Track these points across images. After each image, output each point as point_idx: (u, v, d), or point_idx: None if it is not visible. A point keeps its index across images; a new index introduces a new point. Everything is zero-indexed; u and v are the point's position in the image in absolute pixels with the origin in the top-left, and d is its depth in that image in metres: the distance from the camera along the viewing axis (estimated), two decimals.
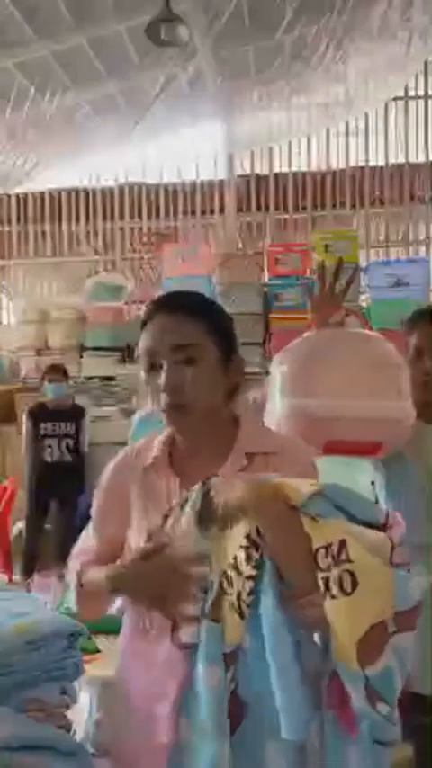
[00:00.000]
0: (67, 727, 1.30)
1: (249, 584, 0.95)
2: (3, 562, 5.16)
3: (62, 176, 7.44)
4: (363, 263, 6.28)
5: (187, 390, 1.14)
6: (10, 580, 4.88)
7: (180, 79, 5.55)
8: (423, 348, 1.66)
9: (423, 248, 7.98)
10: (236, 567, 0.96)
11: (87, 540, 1.30)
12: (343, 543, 0.89)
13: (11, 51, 4.95)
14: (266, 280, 6.08)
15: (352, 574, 0.87)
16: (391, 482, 1.60)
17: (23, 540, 5.08)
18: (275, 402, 1.54)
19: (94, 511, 1.31)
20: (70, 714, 1.34)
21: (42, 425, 5.03)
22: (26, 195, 8.36)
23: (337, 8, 4.84)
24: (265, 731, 0.97)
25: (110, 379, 6.02)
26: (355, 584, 0.87)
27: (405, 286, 5.77)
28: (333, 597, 0.88)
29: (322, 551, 0.90)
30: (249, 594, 0.95)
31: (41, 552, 4.85)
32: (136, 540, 1.17)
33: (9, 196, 8.32)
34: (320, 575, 0.89)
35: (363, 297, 5.94)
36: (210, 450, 1.16)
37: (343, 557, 0.88)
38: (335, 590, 0.88)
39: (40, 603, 1.28)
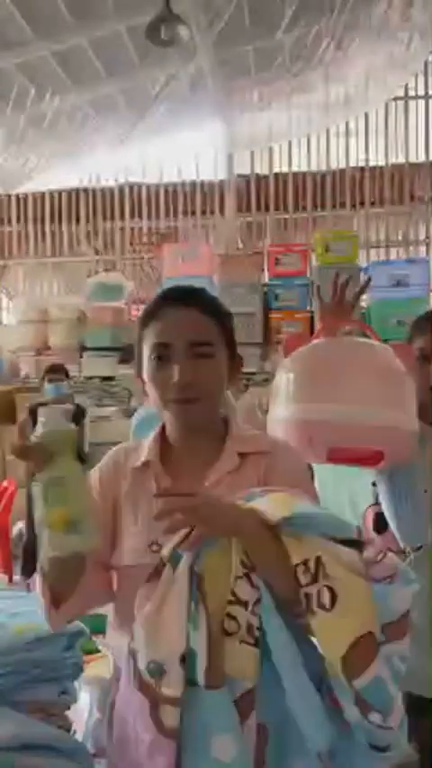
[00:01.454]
0: (66, 727, 1.30)
1: (257, 610, 0.94)
2: (3, 562, 5.16)
3: (62, 176, 7.43)
4: (363, 263, 6.29)
5: (201, 385, 1.14)
6: (10, 580, 4.88)
7: (180, 79, 5.55)
8: (428, 353, 1.66)
9: (423, 248, 7.98)
10: (239, 602, 0.94)
11: None
12: (319, 560, 0.91)
13: (11, 51, 4.95)
14: (266, 280, 6.08)
15: (331, 589, 0.88)
16: (393, 483, 1.60)
17: (23, 540, 5.08)
18: (281, 407, 1.55)
19: None
20: (70, 714, 1.34)
21: None
22: (26, 195, 8.36)
23: (337, 8, 4.84)
24: (288, 751, 0.96)
25: (110, 379, 6.02)
26: (334, 600, 0.88)
27: (405, 286, 5.77)
28: (314, 613, 0.89)
29: (301, 567, 0.91)
30: (259, 620, 0.94)
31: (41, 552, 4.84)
32: (128, 543, 1.16)
33: (9, 196, 8.32)
34: (302, 590, 0.90)
35: (363, 297, 5.95)
36: (202, 450, 1.16)
37: (320, 573, 0.90)
38: (315, 606, 0.89)
39: (40, 603, 1.28)
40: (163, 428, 1.24)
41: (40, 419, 0.99)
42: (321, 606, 0.88)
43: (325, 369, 1.51)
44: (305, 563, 0.91)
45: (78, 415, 5.12)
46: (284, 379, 1.55)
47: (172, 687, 0.92)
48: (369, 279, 2.09)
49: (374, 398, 1.45)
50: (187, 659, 0.92)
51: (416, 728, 1.74)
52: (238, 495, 1.05)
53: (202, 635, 0.92)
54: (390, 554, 0.97)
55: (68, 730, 1.30)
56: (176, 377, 1.13)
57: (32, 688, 1.28)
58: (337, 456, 1.48)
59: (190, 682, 0.92)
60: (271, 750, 0.95)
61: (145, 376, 1.19)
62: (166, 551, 0.99)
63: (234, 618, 0.93)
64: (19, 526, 5.39)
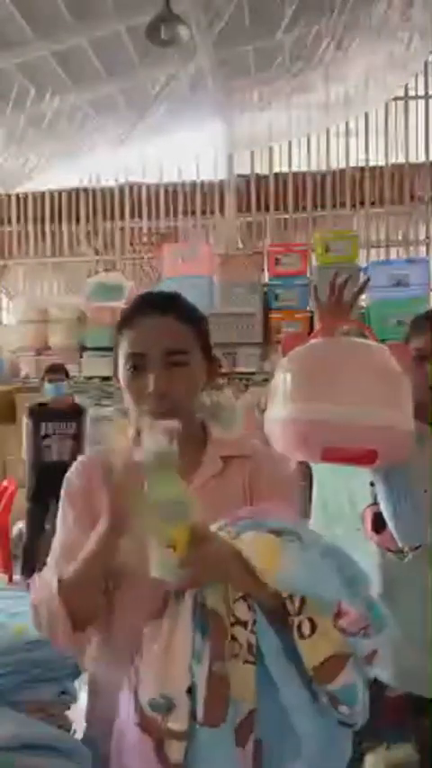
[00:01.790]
0: (67, 727, 1.30)
1: (255, 629, 0.99)
2: (3, 562, 5.17)
3: (62, 176, 7.43)
4: (363, 263, 6.29)
5: (175, 396, 1.13)
6: (10, 580, 4.89)
7: (180, 79, 5.54)
8: (426, 352, 1.66)
9: (423, 248, 7.97)
10: (239, 622, 0.98)
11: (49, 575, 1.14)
12: (303, 599, 0.99)
13: (11, 51, 4.95)
14: (266, 280, 6.08)
15: (311, 620, 0.98)
16: (390, 483, 1.60)
17: (23, 540, 5.08)
18: (277, 407, 1.55)
19: (63, 536, 1.20)
20: (70, 714, 1.34)
21: (42, 425, 5.03)
22: (26, 195, 8.36)
23: (337, 8, 4.84)
24: (283, 758, 1.00)
25: (110, 379, 6.00)
26: (313, 630, 0.98)
27: (405, 286, 5.77)
28: (296, 639, 0.99)
29: (288, 600, 0.99)
30: (257, 638, 0.99)
31: (41, 552, 4.85)
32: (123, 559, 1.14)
33: (9, 196, 8.32)
34: (289, 617, 0.99)
35: (363, 297, 5.95)
36: (183, 455, 1.07)
37: (304, 608, 0.99)
38: (296, 635, 0.98)
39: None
40: (138, 433, 1.21)
41: (153, 434, 0.99)
42: (301, 636, 0.98)
43: (320, 369, 1.51)
44: (290, 597, 0.99)
45: (80, 415, 5.13)
46: (281, 378, 1.56)
47: (179, 721, 0.94)
48: (368, 279, 2.10)
49: (369, 398, 1.45)
50: (192, 693, 0.94)
51: (416, 728, 1.75)
52: (227, 520, 1.05)
53: (204, 670, 0.94)
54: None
55: (68, 730, 1.30)
56: (151, 387, 1.11)
57: (32, 688, 1.28)
58: (332, 455, 1.48)
59: (192, 716, 0.94)
60: (266, 765, 0.99)
61: (121, 380, 1.18)
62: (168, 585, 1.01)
63: (236, 639, 0.97)
64: (19, 526, 5.40)
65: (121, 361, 1.17)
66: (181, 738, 0.93)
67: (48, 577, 1.13)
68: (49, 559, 1.20)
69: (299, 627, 0.98)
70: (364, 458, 1.48)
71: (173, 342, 1.15)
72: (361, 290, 1.79)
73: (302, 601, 0.99)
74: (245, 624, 0.98)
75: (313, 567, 1.01)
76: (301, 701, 0.98)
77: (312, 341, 1.62)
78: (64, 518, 1.21)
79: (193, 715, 0.94)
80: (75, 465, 1.26)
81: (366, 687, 1.04)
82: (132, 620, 1.07)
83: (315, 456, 1.49)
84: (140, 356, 1.14)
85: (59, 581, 1.09)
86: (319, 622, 0.98)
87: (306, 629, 0.98)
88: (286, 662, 0.99)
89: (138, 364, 1.14)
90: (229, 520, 1.06)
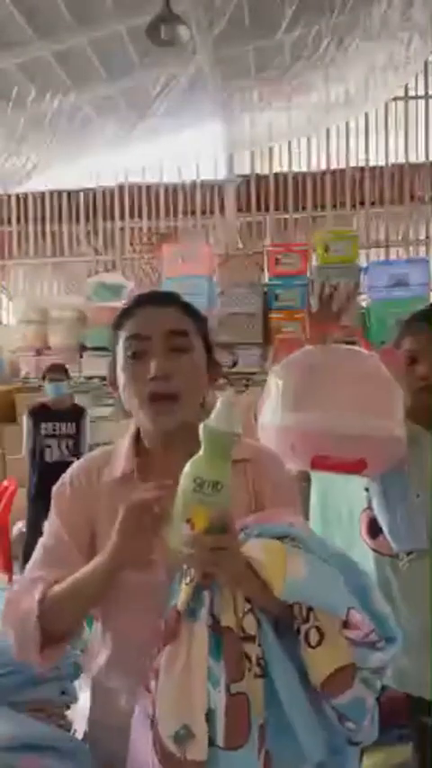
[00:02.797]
0: (67, 727, 1.30)
1: (261, 640, 0.97)
2: (3, 562, 5.16)
3: (62, 176, 7.43)
4: (363, 263, 6.28)
5: (179, 380, 1.09)
6: (10, 580, 4.88)
7: (180, 79, 5.54)
8: (417, 353, 1.65)
9: (423, 248, 7.97)
10: (248, 638, 0.96)
11: (31, 577, 1.12)
12: (310, 607, 0.97)
13: (11, 51, 4.95)
14: (266, 280, 6.08)
15: (319, 629, 0.96)
16: (385, 488, 1.60)
17: (23, 540, 5.08)
18: (268, 414, 1.56)
19: (46, 539, 1.17)
20: (70, 714, 1.34)
21: (42, 425, 5.02)
22: (26, 195, 8.36)
23: (337, 8, 4.84)
24: (291, 765, 0.98)
25: None
26: (321, 639, 0.96)
27: (405, 286, 5.77)
28: (304, 648, 0.96)
29: (297, 606, 0.97)
30: (263, 650, 0.97)
31: None
32: None
33: (9, 196, 8.32)
34: (295, 623, 0.97)
35: (363, 297, 5.95)
36: (183, 457, 1.00)
37: (312, 616, 0.96)
38: (304, 643, 0.96)
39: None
40: (137, 435, 1.19)
41: (219, 408, 0.93)
42: (309, 644, 0.96)
43: (310, 377, 1.52)
44: (299, 604, 0.97)
45: (80, 415, 5.13)
46: (272, 385, 1.56)
47: (199, 752, 0.91)
48: (357, 285, 2.08)
49: (358, 406, 1.45)
50: (210, 718, 0.92)
51: (415, 728, 1.75)
52: (237, 522, 1.03)
53: (221, 693, 0.92)
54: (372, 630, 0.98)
55: (68, 730, 1.30)
56: (153, 371, 1.08)
57: (32, 688, 1.28)
58: (321, 464, 1.49)
59: (210, 742, 0.92)
60: None
61: (119, 379, 1.14)
62: (181, 607, 0.98)
63: (248, 656, 0.95)
64: (19, 526, 5.40)
65: (120, 353, 1.14)
66: (200, 767, 0.91)
67: (25, 585, 1.10)
68: (30, 561, 1.17)
69: (306, 636, 0.96)
70: (354, 466, 1.48)
71: (174, 323, 1.12)
72: (349, 298, 1.80)
73: (310, 608, 0.96)
74: (253, 639, 0.96)
75: (321, 575, 0.98)
76: (308, 713, 0.96)
77: (303, 348, 1.62)
78: (51, 521, 1.19)
79: (211, 740, 0.91)
80: (70, 469, 1.23)
81: (376, 703, 1.01)
82: (121, 607, 1.08)
83: (305, 464, 1.50)
84: (141, 340, 1.11)
85: (41, 600, 1.06)
86: (327, 632, 0.95)
87: (314, 638, 0.96)
88: (292, 673, 0.97)
89: (138, 350, 1.11)
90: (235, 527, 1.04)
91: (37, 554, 1.17)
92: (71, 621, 1.09)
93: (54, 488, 1.21)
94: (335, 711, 0.97)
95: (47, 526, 1.20)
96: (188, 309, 1.18)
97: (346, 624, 0.96)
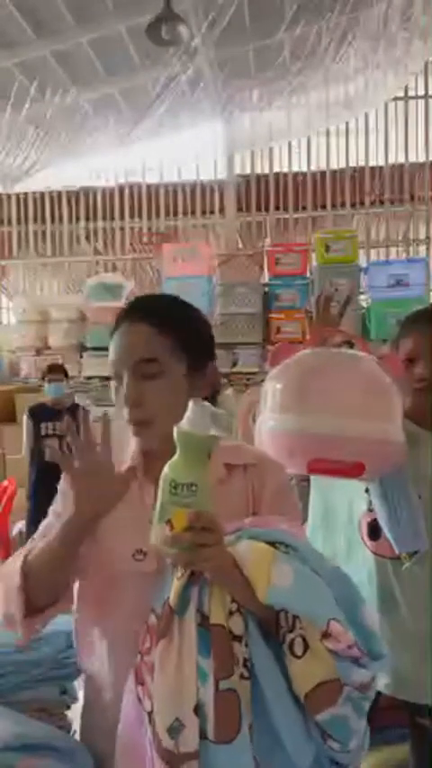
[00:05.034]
0: (67, 727, 1.30)
1: (248, 641, 0.96)
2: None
3: (62, 176, 7.43)
4: (363, 263, 6.29)
5: (149, 406, 1.12)
6: None
7: (180, 79, 5.54)
8: (415, 354, 1.65)
9: (423, 248, 7.97)
10: (235, 638, 0.96)
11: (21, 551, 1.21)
12: (296, 616, 0.96)
13: (11, 51, 4.95)
14: (266, 280, 6.08)
15: (304, 639, 0.94)
16: (386, 489, 1.59)
17: (23, 540, 5.08)
18: (265, 417, 1.56)
19: (46, 521, 1.24)
20: (70, 714, 1.34)
21: (43, 425, 5.03)
22: (26, 195, 8.35)
23: (337, 8, 4.84)
24: None
25: (110, 379, 6.01)
26: (305, 649, 0.94)
27: (405, 286, 5.78)
28: (288, 658, 0.95)
29: (282, 614, 0.96)
30: (249, 651, 0.96)
31: None
32: (111, 550, 1.15)
33: (9, 196, 8.31)
34: (281, 631, 0.96)
35: (363, 297, 5.95)
36: None
37: (297, 624, 0.95)
38: (288, 653, 0.95)
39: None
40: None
41: (189, 412, 0.96)
42: (293, 654, 0.94)
43: (307, 380, 1.52)
44: (285, 611, 0.96)
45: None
46: (270, 388, 1.56)
47: (188, 743, 0.92)
48: (353, 290, 2.08)
49: (356, 410, 1.45)
50: (199, 712, 0.93)
51: (413, 731, 1.75)
52: (230, 525, 1.04)
53: (210, 688, 0.93)
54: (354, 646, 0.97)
55: (68, 730, 1.30)
56: (124, 399, 1.13)
57: (32, 688, 1.28)
58: (318, 467, 1.49)
59: (201, 736, 0.93)
60: None
61: None
62: (172, 602, 0.98)
63: (234, 654, 0.95)
64: (19, 526, 5.39)
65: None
66: (192, 759, 0.92)
67: (13, 557, 1.17)
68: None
69: (291, 645, 0.95)
70: (351, 470, 1.48)
71: (141, 351, 1.14)
72: (346, 303, 1.81)
73: (296, 617, 0.95)
74: (240, 639, 0.95)
75: (306, 583, 0.97)
76: (296, 723, 0.95)
77: (300, 352, 1.62)
78: (54, 506, 1.25)
79: (203, 734, 0.92)
80: None
81: (366, 728, 1.00)
82: (117, 597, 1.10)
83: (301, 467, 1.50)
84: (117, 365, 1.16)
85: (25, 556, 1.14)
86: (312, 643, 0.94)
87: (298, 648, 0.94)
88: (279, 678, 0.96)
89: (115, 373, 1.16)
90: (229, 529, 1.04)
91: (36, 533, 1.23)
92: (49, 585, 1.13)
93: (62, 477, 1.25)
94: (318, 728, 0.95)
95: (50, 509, 1.25)
96: (163, 322, 1.16)
97: (326, 635, 0.94)
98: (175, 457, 0.96)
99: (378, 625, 1.03)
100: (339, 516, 1.79)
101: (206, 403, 0.97)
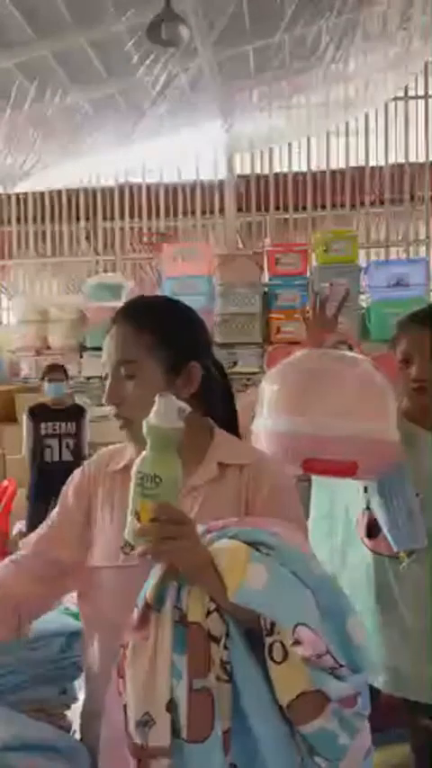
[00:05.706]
0: (66, 727, 1.30)
1: (229, 644, 0.94)
2: None
3: (62, 176, 7.43)
4: (363, 263, 6.29)
5: (128, 405, 1.16)
6: None
7: (180, 79, 5.54)
8: (410, 355, 1.66)
9: (423, 248, 7.97)
10: (213, 639, 0.94)
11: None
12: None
13: (11, 51, 4.95)
14: (266, 280, 6.08)
15: (283, 645, 0.91)
16: (384, 487, 1.60)
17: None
18: (261, 418, 1.57)
19: (45, 523, 1.30)
20: (70, 714, 1.34)
21: (43, 425, 5.03)
22: (26, 195, 8.35)
23: (337, 8, 4.84)
24: None
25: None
26: (285, 656, 0.91)
27: (405, 286, 5.78)
28: (269, 663, 0.92)
29: (263, 618, 0.93)
30: (229, 654, 0.94)
31: None
32: (102, 544, 1.18)
33: (9, 196, 8.31)
34: (264, 634, 0.93)
35: (363, 297, 5.95)
36: (182, 458, 1.02)
37: (275, 628, 0.92)
38: (269, 658, 0.92)
39: None
40: None
41: (155, 406, 0.98)
42: (273, 660, 0.91)
43: (302, 381, 1.53)
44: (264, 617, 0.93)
45: (80, 415, 5.13)
46: (265, 389, 1.58)
47: (159, 738, 0.91)
48: (347, 291, 2.07)
49: (349, 410, 1.46)
50: (172, 710, 0.92)
51: (414, 731, 1.75)
52: (215, 524, 1.03)
53: (183, 686, 0.92)
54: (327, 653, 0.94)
55: (68, 730, 1.29)
56: (104, 397, 1.18)
57: (32, 688, 1.28)
58: (312, 467, 1.50)
59: (175, 734, 0.92)
60: None
61: None
62: (149, 596, 0.98)
63: (210, 655, 0.93)
64: (18, 526, 5.39)
65: None
66: (163, 755, 0.91)
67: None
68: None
69: (270, 649, 0.92)
70: (345, 469, 1.49)
71: (120, 352, 1.18)
72: (342, 303, 1.82)
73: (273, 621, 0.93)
74: (218, 640, 0.93)
75: (280, 586, 0.94)
76: (276, 733, 0.92)
77: (296, 353, 1.63)
78: (56, 507, 1.29)
79: (177, 732, 0.91)
80: (88, 460, 1.32)
81: (368, 750, 0.97)
82: (105, 590, 1.13)
83: (296, 467, 1.51)
84: (104, 367, 1.21)
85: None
86: (291, 649, 0.91)
87: (277, 654, 0.91)
88: (259, 685, 0.93)
89: (105, 373, 1.21)
90: (211, 527, 1.03)
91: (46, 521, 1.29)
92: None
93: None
94: (305, 741, 0.92)
95: (60, 500, 1.30)
96: (143, 323, 1.18)
97: (296, 641, 0.91)
98: (145, 450, 0.98)
99: (366, 639, 0.99)
100: (338, 514, 1.79)
101: (173, 396, 0.99)
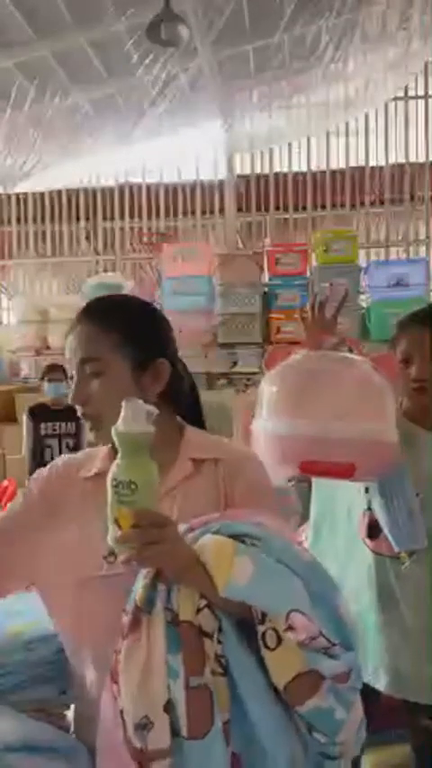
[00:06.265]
0: (66, 727, 1.30)
1: (222, 638, 0.95)
2: None
3: (62, 176, 7.43)
4: (363, 263, 6.28)
5: (93, 403, 1.15)
6: None
7: (180, 79, 5.54)
8: (410, 355, 1.66)
9: (423, 248, 7.97)
10: (205, 635, 0.95)
11: None
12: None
13: (11, 51, 4.95)
14: (266, 280, 6.08)
15: (276, 632, 0.93)
16: (384, 488, 1.60)
17: None
18: (259, 420, 1.57)
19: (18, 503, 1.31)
20: (70, 714, 1.33)
21: (43, 425, 5.03)
22: (26, 195, 8.35)
23: (337, 8, 4.84)
24: None
25: None
26: (279, 642, 0.93)
27: (405, 286, 5.77)
28: (262, 651, 0.94)
29: (254, 608, 0.95)
30: (223, 647, 0.95)
31: None
32: (81, 555, 1.15)
33: (9, 196, 8.31)
34: (256, 623, 0.95)
35: (363, 297, 5.95)
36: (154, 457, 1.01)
37: (267, 617, 0.94)
38: (262, 646, 0.94)
39: (38, 602, 1.28)
40: None
41: (123, 412, 0.97)
42: (267, 646, 0.94)
43: (300, 383, 1.53)
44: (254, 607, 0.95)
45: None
46: (264, 391, 1.58)
47: (159, 740, 0.91)
48: (346, 292, 2.07)
49: (347, 412, 1.46)
50: (170, 710, 0.92)
51: (413, 729, 1.75)
52: (197, 521, 1.03)
53: (180, 685, 0.92)
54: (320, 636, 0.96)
55: (68, 730, 1.29)
56: (71, 394, 1.17)
57: (32, 688, 1.28)
58: (310, 468, 1.50)
59: (174, 733, 0.92)
60: None
61: None
62: (139, 599, 0.98)
63: (205, 650, 0.94)
64: None
65: None
66: (163, 756, 0.92)
67: None
68: None
69: (263, 637, 0.94)
70: (343, 471, 1.49)
71: (86, 350, 1.17)
72: (341, 305, 1.82)
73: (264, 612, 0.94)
74: (210, 636, 0.94)
75: (268, 576, 0.96)
76: (273, 717, 0.94)
77: (294, 355, 1.63)
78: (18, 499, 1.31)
79: (176, 731, 0.92)
80: (53, 462, 1.31)
81: (361, 721, 0.99)
82: (89, 601, 1.11)
83: (294, 469, 1.51)
84: (70, 366, 1.19)
85: None
86: (285, 635, 0.93)
87: (271, 640, 0.94)
88: (254, 672, 0.95)
89: (72, 372, 1.19)
90: (194, 524, 1.03)
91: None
92: None
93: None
94: (302, 720, 0.95)
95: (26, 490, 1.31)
96: (108, 321, 1.17)
97: (289, 627, 0.93)
98: (118, 457, 0.97)
99: (352, 615, 1.03)
100: (339, 515, 1.79)
101: (139, 401, 0.98)
